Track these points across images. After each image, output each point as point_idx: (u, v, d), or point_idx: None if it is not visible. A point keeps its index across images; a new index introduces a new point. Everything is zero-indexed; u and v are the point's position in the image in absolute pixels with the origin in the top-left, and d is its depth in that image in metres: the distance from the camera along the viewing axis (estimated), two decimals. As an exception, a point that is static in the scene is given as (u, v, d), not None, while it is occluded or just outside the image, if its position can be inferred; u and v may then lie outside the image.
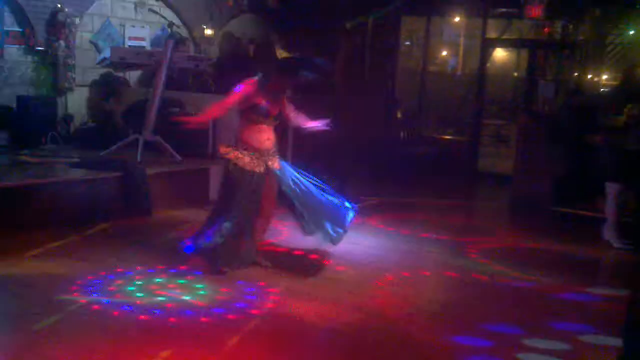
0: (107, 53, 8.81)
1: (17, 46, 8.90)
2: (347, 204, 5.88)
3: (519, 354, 4.25)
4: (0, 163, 7.47)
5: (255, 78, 5.45)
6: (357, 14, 12.08)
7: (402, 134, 12.86)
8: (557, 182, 8.76)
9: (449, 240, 7.15)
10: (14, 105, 8.73)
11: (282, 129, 6.53)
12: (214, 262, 5.40)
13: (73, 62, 9.30)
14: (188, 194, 7.75)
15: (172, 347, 3.98)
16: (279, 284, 5.28)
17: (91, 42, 9.73)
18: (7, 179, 6.49)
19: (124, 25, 10.12)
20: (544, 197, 8.75)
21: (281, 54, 10.28)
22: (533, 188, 8.89)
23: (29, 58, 9.04)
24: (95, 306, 4.56)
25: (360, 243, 6.59)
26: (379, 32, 12.64)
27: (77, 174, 7.15)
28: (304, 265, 5.85)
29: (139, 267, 5.39)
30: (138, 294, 4.83)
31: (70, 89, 9.38)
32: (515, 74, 13.78)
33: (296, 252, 6.14)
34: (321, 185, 5.80)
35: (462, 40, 14.25)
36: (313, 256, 6.03)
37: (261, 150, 5.44)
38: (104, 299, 4.69)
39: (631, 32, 12.16)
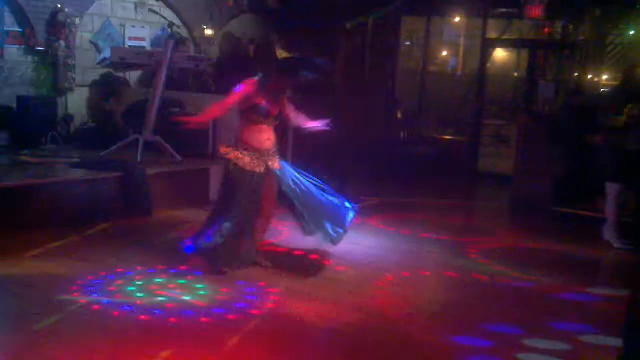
0: (107, 53, 8.81)
1: (17, 46, 8.90)
2: (347, 204, 5.88)
3: (519, 354, 4.25)
4: (0, 163, 7.47)
5: (255, 78, 5.45)
6: (357, 14, 12.08)
7: (402, 134, 12.86)
8: (557, 182, 8.76)
9: (449, 240, 7.15)
10: (14, 105, 8.73)
11: (282, 129, 6.53)
12: (214, 262, 5.40)
13: (73, 62, 9.30)
14: (188, 194, 7.75)
15: (172, 347, 3.98)
16: (279, 284, 5.28)
17: (91, 42, 9.73)
18: (7, 179, 6.49)
19: (124, 25, 10.12)
20: (544, 197, 8.75)
21: (281, 54, 10.28)
22: (533, 188, 8.89)
23: (29, 58, 9.04)
24: (95, 306, 4.56)
25: (360, 243, 6.59)
26: (379, 32, 12.63)
27: (77, 174, 7.15)
28: (304, 265, 5.85)
29: (139, 267, 5.39)
30: (138, 294, 4.83)
31: (70, 89, 9.38)
32: (515, 74, 13.78)
33: (296, 252, 6.14)
34: (321, 185, 5.80)
35: (462, 40, 14.25)
36: (313, 256, 6.03)
37: (261, 150, 5.44)
38: (104, 299, 4.69)
39: (631, 32, 12.16)
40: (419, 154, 11.92)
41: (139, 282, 5.07)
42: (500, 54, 13.81)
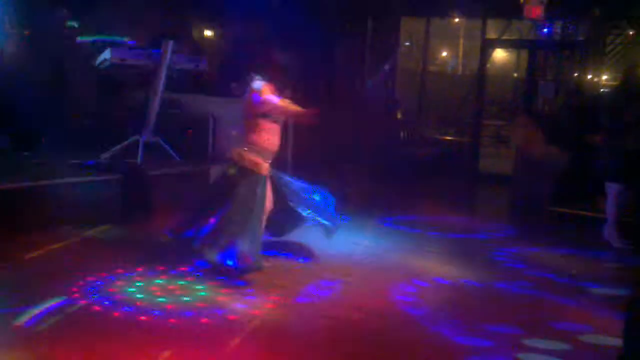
0: (107, 54, 8.81)
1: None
2: (333, 201, 5.98)
3: (519, 354, 4.25)
4: (0, 164, 7.46)
5: (268, 82, 5.45)
6: (357, 14, 12.07)
7: (402, 135, 12.86)
8: (557, 182, 8.75)
9: (449, 240, 7.14)
10: (14, 105, 8.71)
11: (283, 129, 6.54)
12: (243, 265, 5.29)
13: (74, 62, 9.28)
14: (188, 195, 7.72)
15: (173, 348, 3.98)
16: (279, 284, 5.29)
17: (91, 42, 9.71)
18: (7, 180, 6.49)
19: (124, 26, 10.11)
20: (544, 197, 8.75)
21: (281, 54, 10.26)
22: (533, 188, 8.89)
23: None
24: (96, 307, 4.56)
25: (360, 243, 6.60)
26: (379, 32, 12.64)
27: (77, 175, 7.15)
28: (303, 265, 5.86)
29: (139, 269, 5.39)
30: (138, 295, 4.83)
31: (71, 89, 9.36)
32: (515, 75, 13.80)
33: (296, 252, 6.14)
34: (311, 185, 5.91)
35: (462, 40, 14.26)
36: (313, 256, 6.04)
37: (273, 153, 5.49)
38: (105, 301, 4.69)
39: (631, 32, 12.16)
40: (420, 154, 11.90)
41: (140, 283, 5.07)
42: (500, 54, 13.83)
